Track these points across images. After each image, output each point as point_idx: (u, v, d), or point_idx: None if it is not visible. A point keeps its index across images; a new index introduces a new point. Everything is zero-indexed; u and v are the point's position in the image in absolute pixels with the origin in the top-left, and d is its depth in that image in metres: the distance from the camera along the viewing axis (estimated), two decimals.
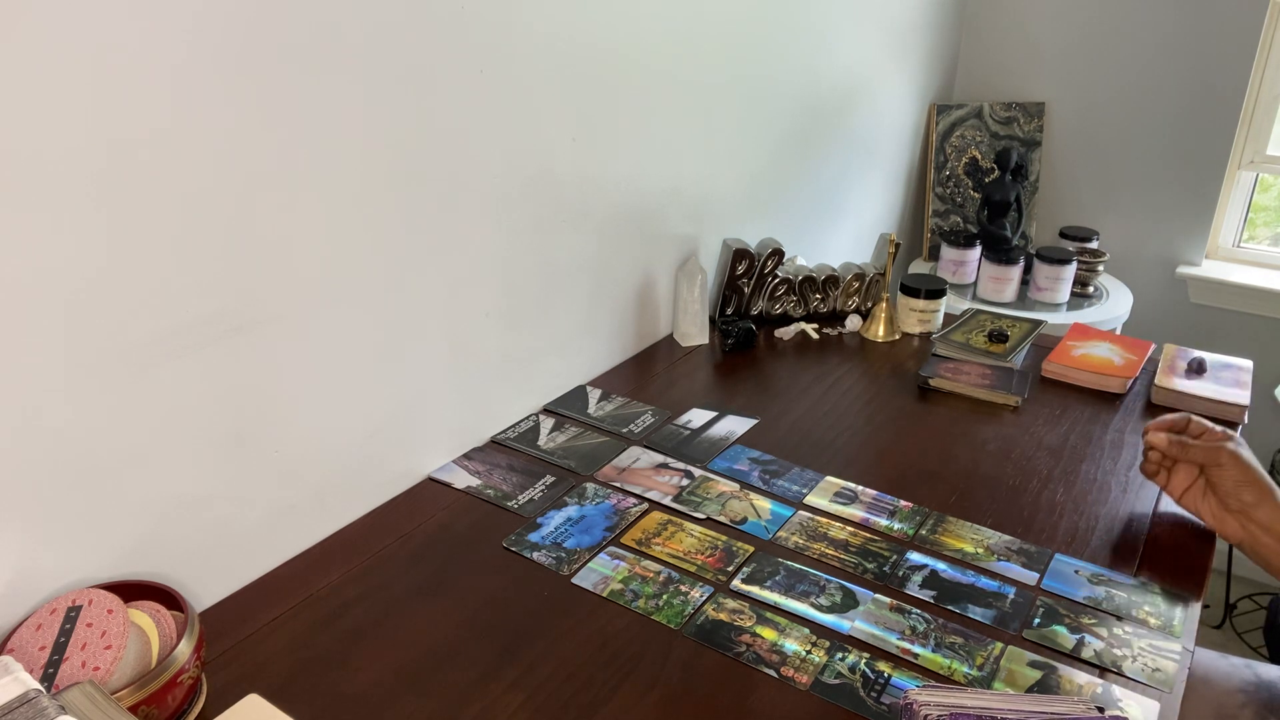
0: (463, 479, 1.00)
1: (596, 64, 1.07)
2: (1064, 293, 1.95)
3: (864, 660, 0.76)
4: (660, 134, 1.21)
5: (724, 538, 0.91)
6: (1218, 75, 1.91)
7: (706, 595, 0.83)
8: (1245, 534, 0.86)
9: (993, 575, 0.86)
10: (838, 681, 0.74)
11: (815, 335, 1.39)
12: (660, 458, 1.05)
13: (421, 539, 0.91)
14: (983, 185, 2.13)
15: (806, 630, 0.79)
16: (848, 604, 0.82)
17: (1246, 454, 0.88)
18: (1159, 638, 0.79)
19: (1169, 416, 0.95)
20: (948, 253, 2.03)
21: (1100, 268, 1.99)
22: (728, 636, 0.78)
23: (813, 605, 0.82)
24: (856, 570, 0.87)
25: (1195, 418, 0.93)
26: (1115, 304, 1.98)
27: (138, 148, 0.66)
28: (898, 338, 1.39)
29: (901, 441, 1.10)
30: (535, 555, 0.88)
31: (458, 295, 0.98)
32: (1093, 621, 0.81)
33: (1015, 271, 1.95)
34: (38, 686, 0.56)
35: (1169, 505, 0.98)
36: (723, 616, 0.81)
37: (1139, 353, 1.27)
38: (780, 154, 1.53)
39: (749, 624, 0.80)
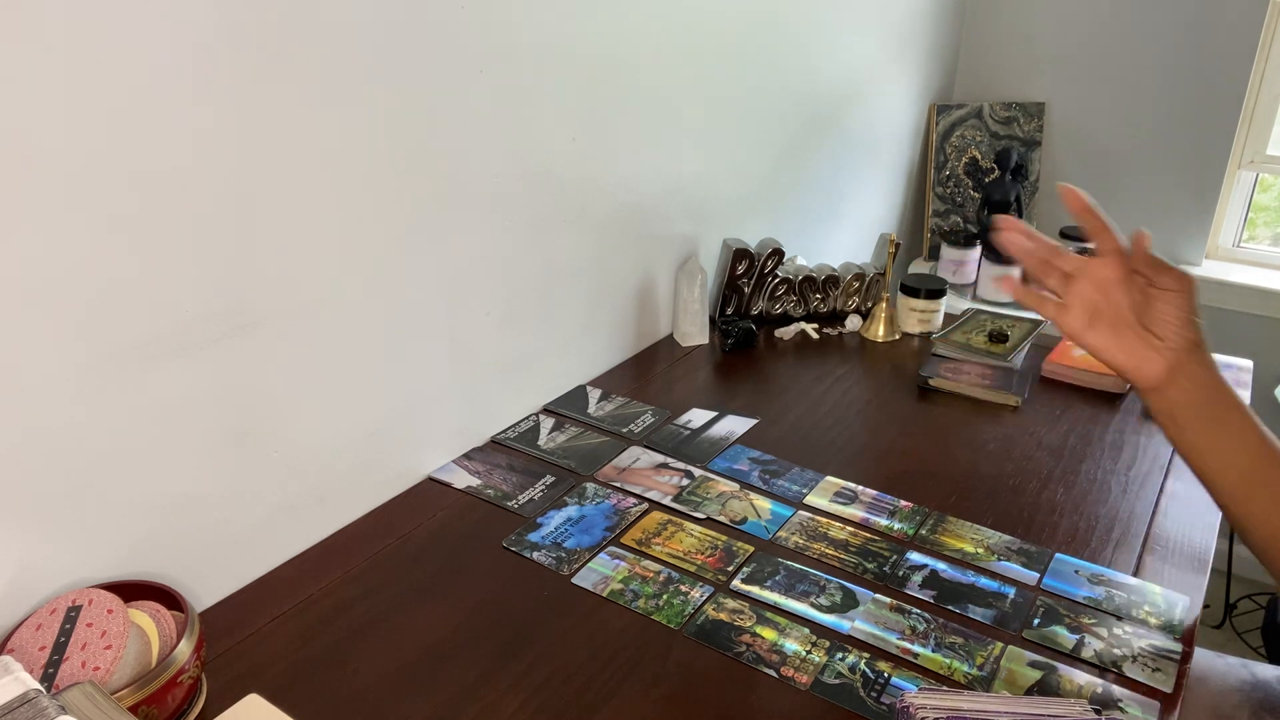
0: (463, 479, 1.00)
1: (597, 64, 1.06)
2: None
3: (864, 660, 0.76)
4: (660, 134, 1.21)
5: (724, 538, 0.91)
6: (1218, 75, 1.91)
7: (706, 595, 0.83)
8: (1168, 378, 0.73)
9: (993, 575, 0.86)
10: (838, 681, 0.74)
11: (815, 335, 1.39)
12: (660, 458, 1.05)
13: (421, 539, 0.91)
14: (983, 185, 2.13)
15: (806, 630, 0.79)
16: (848, 604, 0.82)
17: None
18: (1159, 638, 0.79)
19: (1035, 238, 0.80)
20: (948, 253, 2.03)
21: None
22: (728, 636, 0.78)
23: (813, 605, 0.82)
24: (856, 570, 0.87)
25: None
26: None
27: (137, 148, 0.66)
28: (898, 338, 1.39)
29: (901, 441, 1.10)
30: (535, 555, 0.88)
31: (458, 295, 0.98)
32: (1093, 621, 0.81)
33: (1015, 271, 1.95)
34: (38, 686, 0.56)
35: (1169, 505, 0.98)
36: (723, 616, 0.81)
37: None
38: (780, 154, 1.53)
39: (749, 624, 0.80)
